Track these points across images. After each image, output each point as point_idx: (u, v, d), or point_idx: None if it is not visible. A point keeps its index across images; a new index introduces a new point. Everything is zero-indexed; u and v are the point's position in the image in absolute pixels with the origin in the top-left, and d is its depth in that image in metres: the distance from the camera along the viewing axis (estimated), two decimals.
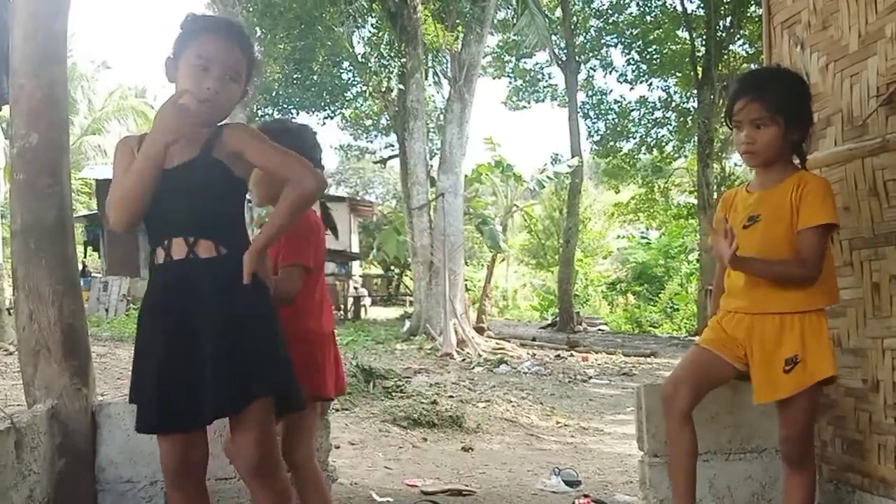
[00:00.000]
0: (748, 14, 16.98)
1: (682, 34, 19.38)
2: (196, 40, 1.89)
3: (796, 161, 2.37)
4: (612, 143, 21.71)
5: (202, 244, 1.88)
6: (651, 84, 21.00)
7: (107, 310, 15.96)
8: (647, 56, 20.42)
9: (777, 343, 2.24)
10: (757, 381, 2.28)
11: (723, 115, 2.42)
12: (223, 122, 1.97)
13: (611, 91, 24.89)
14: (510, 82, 22.88)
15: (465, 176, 16.44)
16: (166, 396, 1.83)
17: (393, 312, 22.55)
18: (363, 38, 17.04)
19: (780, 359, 2.22)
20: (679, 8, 18.68)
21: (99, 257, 24.39)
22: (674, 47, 20.14)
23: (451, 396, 7.33)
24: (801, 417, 2.26)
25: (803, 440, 2.28)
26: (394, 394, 7.00)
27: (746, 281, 2.30)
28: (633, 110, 21.37)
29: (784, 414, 2.28)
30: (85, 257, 24.08)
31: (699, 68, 17.55)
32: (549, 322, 20.11)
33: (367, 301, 23.71)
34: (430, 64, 16.08)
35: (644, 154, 22.03)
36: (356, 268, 28.44)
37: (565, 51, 19.27)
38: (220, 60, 1.88)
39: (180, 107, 1.85)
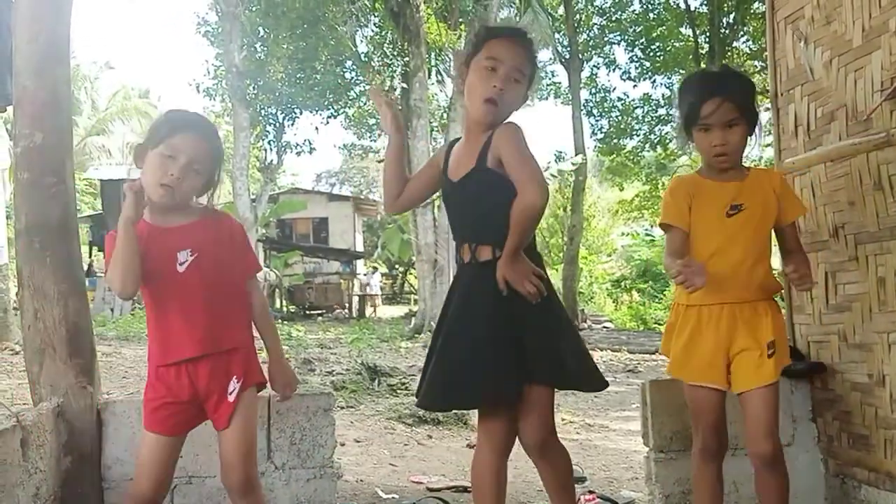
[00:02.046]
0: (752, 10, 16.93)
1: (686, 31, 19.35)
2: (171, 137, 2.02)
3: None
4: (615, 141, 21.67)
5: (482, 249, 2.11)
6: (654, 81, 20.97)
7: (112, 309, 16.01)
8: (651, 53, 20.38)
9: (755, 326, 2.22)
10: (744, 370, 2.21)
11: (684, 124, 2.31)
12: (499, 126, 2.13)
13: (614, 88, 24.85)
14: None
15: None
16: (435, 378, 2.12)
17: (398, 311, 22.59)
18: (366, 37, 17.07)
19: (761, 342, 2.20)
20: (682, 5, 18.64)
21: (104, 258, 24.46)
22: (677, 44, 20.10)
23: None
24: (773, 408, 2.21)
25: (776, 434, 2.22)
26: (399, 391, 7.00)
27: (727, 269, 2.23)
28: (636, 107, 21.33)
29: (756, 408, 2.19)
30: (90, 257, 24.14)
31: (703, 65, 17.50)
32: None
33: (378, 298, 23.70)
34: (433, 63, 16.08)
35: (648, 151, 21.99)
36: (360, 266, 28.46)
37: (568, 48, 19.23)
38: (188, 152, 2.02)
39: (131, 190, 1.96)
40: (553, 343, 2.09)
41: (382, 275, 29.00)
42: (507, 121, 2.13)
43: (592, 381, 2.20)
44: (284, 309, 20.85)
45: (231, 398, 2.08)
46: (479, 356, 2.04)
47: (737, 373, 2.24)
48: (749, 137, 2.28)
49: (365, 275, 25.12)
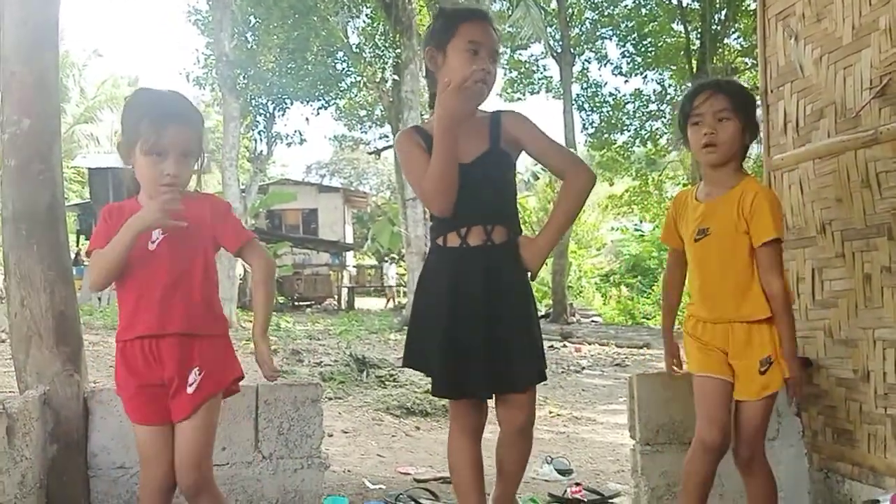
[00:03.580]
0: (743, 7, 16.97)
1: (678, 27, 19.35)
2: (156, 135, 1.95)
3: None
4: (606, 136, 21.70)
5: (498, 230, 2.14)
6: (646, 77, 20.99)
7: (99, 298, 15.92)
8: (642, 49, 20.39)
9: (749, 345, 2.21)
10: (740, 378, 2.23)
11: (679, 122, 2.33)
12: (500, 109, 2.23)
13: (605, 83, 24.85)
14: (505, 74, 22.79)
15: None
16: (456, 366, 2.09)
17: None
18: (358, 28, 17.02)
19: (755, 359, 2.19)
20: (674, 1, 18.65)
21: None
22: (669, 40, 20.11)
23: None
24: (761, 419, 2.22)
25: (758, 444, 2.25)
26: (387, 383, 7.01)
27: (711, 291, 2.27)
28: (627, 103, 21.36)
29: (747, 415, 2.23)
30: (78, 246, 24.00)
31: (694, 61, 17.55)
32: (542, 313, 20.15)
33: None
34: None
35: (638, 146, 22.03)
36: (350, 258, 28.43)
37: (560, 43, 19.20)
38: (176, 145, 1.97)
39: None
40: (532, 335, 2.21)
41: (369, 267, 28.99)
42: (509, 109, 2.25)
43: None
44: (273, 300, 20.78)
45: (190, 390, 1.97)
46: (502, 348, 2.11)
47: (736, 380, 2.25)
48: (744, 138, 2.25)
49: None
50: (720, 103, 2.22)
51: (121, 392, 2.05)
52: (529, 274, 2.20)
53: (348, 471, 3.88)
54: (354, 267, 28.67)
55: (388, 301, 22.61)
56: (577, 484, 3.51)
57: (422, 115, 16.08)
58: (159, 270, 2.00)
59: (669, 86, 20.84)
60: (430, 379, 2.25)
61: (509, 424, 2.21)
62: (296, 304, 20.70)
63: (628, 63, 20.72)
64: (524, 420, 2.19)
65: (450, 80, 2.03)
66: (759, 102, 3.14)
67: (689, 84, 17.89)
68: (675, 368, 2.53)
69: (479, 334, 2.09)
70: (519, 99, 22.94)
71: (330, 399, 6.18)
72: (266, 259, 2.16)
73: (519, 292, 2.17)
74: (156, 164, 1.97)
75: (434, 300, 2.18)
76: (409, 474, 3.88)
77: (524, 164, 23.70)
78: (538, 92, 22.80)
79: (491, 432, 2.28)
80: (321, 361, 8.19)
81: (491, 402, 2.22)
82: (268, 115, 18.84)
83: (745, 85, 2.51)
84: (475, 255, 2.13)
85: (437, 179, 2.07)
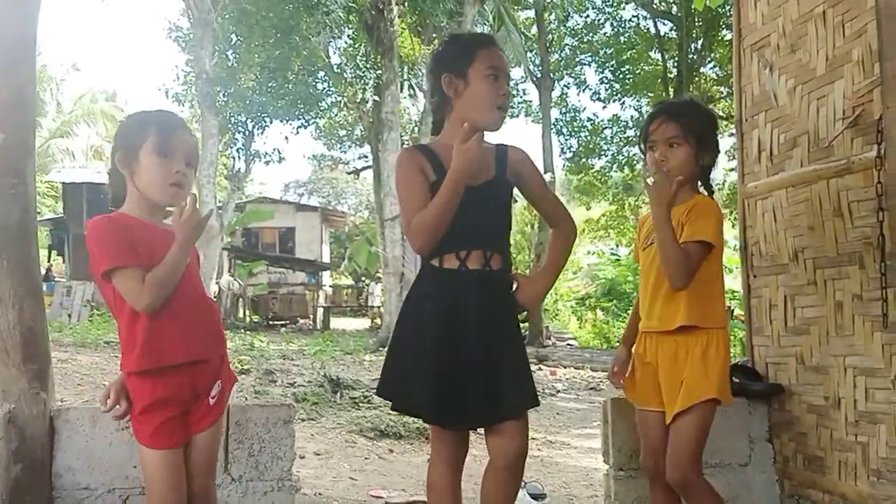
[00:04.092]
0: (719, 37, 17.28)
1: (655, 55, 19.65)
2: (164, 137, 1.99)
3: (703, 191, 2.39)
4: (584, 160, 21.88)
5: (496, 257, 2.13)
6: (624, 103, 21.24)
7: (70, 315, 15.69)
8: (621, 76, 20.65)
9: (674, 362, 2.26)
10: (666, 401, 2.29)
11: (639, 144, 2.44)
12: (502, 144, 2.23)
13: (584, 109, 25.13)
14: None
15: None
16: (451, 392, 2.03)
17: (362, 323, 22.46)
18: (339, 48, 17.07)
19: (677, 381, 2.25)
20: (652, 30, 18.96)
21: (63, 262, 23.99)
22: (646, 68, 20.40)
23: None
24: (683, 440, 2.23)
25: (685, 465, 2.22)
26: (361, 404, 6.95)
27: (651, 302, 2.35)
28: (605, 128, 21.58)
29: (672, 435, 2.26)
30: (49, 261, 23.66)
31: (671, 89, 17.81)
32: None
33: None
34: (405, 76, 16.12)
35: (615, 171, 22.23)
36: (327, 277, 28.29)
37: (540, 68, 19.40)
38: (183, 150, 2.02)
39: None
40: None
41: (346, 287, 28.87)
42: (512, 144, 2.26)
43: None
44: (247, 319, 20.60)
45: (212, 401, 2.03)
46: (497, 372, 2.07)
47: (664, 402, 2.31)
48: (698, 160, 2.31)
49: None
50: (670, 131, 2.30)
51: (149, 420, 1.94)
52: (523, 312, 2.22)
53: (319, 494, 3.83)
54: (331, 286, 28.52)
55: (372, 321, 22.46)
56: None
57: (402, 136, 16.14)
58: (192, 293, 2.02)
59: (647, 112, 21.10)
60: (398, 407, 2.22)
61: (500, 456, 2.11)
62: (270, 323, 20.51)
63: (606, 89, 20.97)
64: (516, 450, 2.10)
65: (469, 123, 2.00)
66: (733, 131, 3.20)
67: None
68: (614, 379, 2.54)
69: (475, 360, 2.05)
70: None
71: (303, 420, 6.11)
72: None
73: (511, 320, 2.19)
74: (165, 163, 1.97)
75: (427, 323, 2.10)
76: (381, 498, 3.84)
77: None
78: (517, 116, 22.98)
79: (473, 457, 2.26)
80: (294, 382, 8.10)
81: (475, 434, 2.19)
82: (247, 132, 18.77)
83: (711, 108, 2.56)
84: (473, 278, 2.09)
85: (430, 224, 2.02)
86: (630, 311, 2.64)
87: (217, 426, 2.09)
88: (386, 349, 2.27)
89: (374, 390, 7.91)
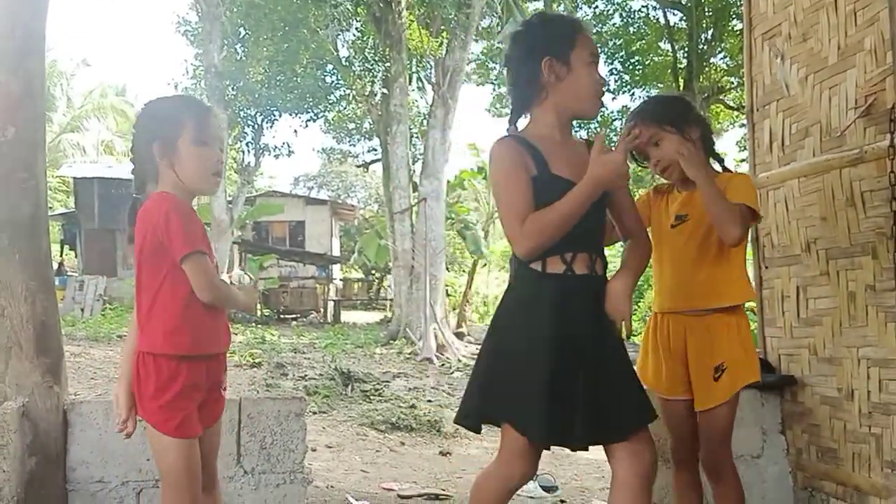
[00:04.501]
0: (729, 27, 17.15)
1: (665, 46, 19.53)
2: (201, 126, 1.99)
3: (717, 167, 2.38)
4: None
5: (599, 261, 1.96)
6: (633, 94, 21.11)
7: (82, 309, 15.78)
8: (630, 67, 20.54)
9: (708, 350, 2.24)
10: (696, 389, 2.27)
11: (636, 160, 2.41)
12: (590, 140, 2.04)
13: None
14: (494, 89, 22.93)
15: (448, 181, 16.44)
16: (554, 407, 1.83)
17: (373, 316, 22.49)
18: (347, 41, 17.02)
19: (710, 367, 2.23)
20: (662, 20, 18.84)
21: (76, 256, 24.13)
22: (656, 59, 20.28)
23: (429, 401, 7.31)
24: (720, 427, 2.24)
25: (721, 451, 2.26)
26: (372, 397, 6.97)
27: (675, 279, 2.31)
28: (615, 119, 21.48)
29: (706, 424, 2.27)
30: (62, 256, 23.80)
31: (681, 80, 17.70)
32: None
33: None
34: (414, 69, 16.08)
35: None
36: (337, 271, 28.34)
37: None
38: (218, 137, 2.05)
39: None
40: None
41: (356, 280, 28.90)
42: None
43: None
44: (259, 312, 20.67)
45: (225, 393, 2.11)
46: (609, 386, 1.88)
47: (694, 390, 2.29)
48: (690, 139, 2.28)
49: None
50: (647, 131, 2.27)
51: (178, 410, 1.92)
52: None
53: (331, 486, 3.84)
54: (341, 280, 28.57)
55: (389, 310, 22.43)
56: (562, 501, 3.49)
57: (410, 128, 16.11)
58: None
59: None
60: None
61: (631, 474, 1.88)
62: (281, 316, 20.57)
63: (616, 80, 20.85)
64: (645, 467, 1.87)
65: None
66: (744, 121, 3.17)
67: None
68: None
69: (585, 373, 1.84)
70: (508, 114, 23.05)
71: (314, 413, 6.13)
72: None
73: (616, 328, 1.97)
74: (206, 154, 2.00)
75: (533, 334, 1.87)
76: (392, 490, 3.85)
77: None
78: None
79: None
80: (306, 375, 8.13)
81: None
82: (256, 126, 18.79)
83: (679, 96, 2.57)
84: (581, 283, 1.90)
85: (549, 230, 1.83)
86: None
87: (220, 421, 2.13)
88: (479, 363, 2.01)
89: (385, 383, 7.90)
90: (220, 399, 2.08)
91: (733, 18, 16.61)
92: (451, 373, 10.18)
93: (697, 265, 2.27)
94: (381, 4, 14.26)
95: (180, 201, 1.95)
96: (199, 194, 2.08)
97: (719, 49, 18.32)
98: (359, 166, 28.63)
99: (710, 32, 17.63)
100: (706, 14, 17.21)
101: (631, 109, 2.58)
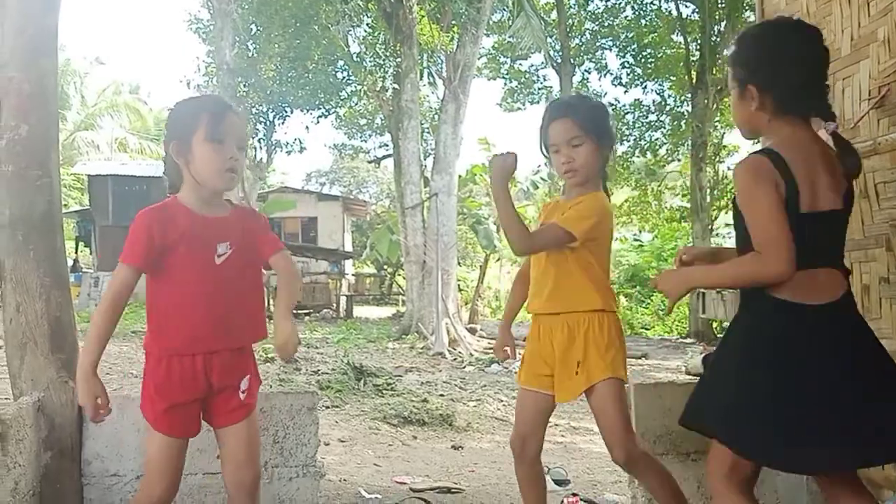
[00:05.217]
0: (742, 19, 17.02)
1: (677, 38, 19.40)
2: (217, 123, 2.01)
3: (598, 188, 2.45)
4: None
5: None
6: (645, 87, 21.02)
7: (97, 305, 15.89)
8: (642, 59, 20.43)
9: (569, 345, 2.32)
10: (557, 383, 2.35)
11: (540, 147, 2.46)
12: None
13: (605, 94, 24.84)
14: (505, 84, 22.89)
15: (460, 176, 16.43)
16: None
17: (385, 311, 22.55)
18: (358, 37, 17.01)
19: (573, 360, 2.31)
20: (674, 12, 18.72)
21: (90, 253, 24.32)
22: (668, 51, 20.16)
23: (441, 395, 7.33)
24: (610, 423, 2.30)
25: (620, 441, 2.30)
26: (384, 392, 6.99)
27: (542, 283, 2.40)
28: (627, 113, 21.38)
29: (597, 419, 2.35)
30: (76, 253, 23.99)
31: (693, 72, 17.58)
32: None
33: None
34: (425, 64, 16.08)
35: (638, 157, 22.04)
36: (349, 266, 28.40)
37: (560, 53, 19.26)
38: (234, 134, 2.05)
39: None
40: None
41: (368, 275, 28.95)
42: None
43: None
44: (272, 308, 20.76)
45: (243, 396, 2.09)
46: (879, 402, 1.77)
47: (555, 384, 2.37)
48: (603, 154, 2.39)
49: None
50: (571, 131, 2.34)
51: (156, 404, 2.01)
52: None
53: (344, 480, 3.86)
54: (353, 275, 28.64)
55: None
56: (574, 494, 3.49)
57: (421, 123, 16.11)
58: (225, 285, 2.04)
59: (669, 96, 20.87)
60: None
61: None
62: (294, 312, 20.65)
63: (628, 74, 20.77)
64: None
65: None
66: None
67: (689, 95, 18.01)
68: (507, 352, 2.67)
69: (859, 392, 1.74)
70: (519, 108, 23.02)
71: (327, 408, 6.16)
72: (294, 265, 2.29)
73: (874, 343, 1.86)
74: (219, 150, 2.01)
75: (821, 368, 1.75)
76: (405, 484, 3.86)
77: (524, 174, 23.67)
78: (538, 102, 22.86)
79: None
80: (318, 370, 8.17)
81: None
82: (268, 123, 18.85)
83: (599, 100, 2.66)
84: (844, 309, 1.82)
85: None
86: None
87: (253, 419, 2.13)
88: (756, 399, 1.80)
89: (398, 377, 7.90)
90: (231, 399, 2.07)
91: (746, 10, 16.48)
92: (464, 367, 10.20)
93: (546, 271, 2.38)
94: (392, 0, 14.26)
95: (153, 210, 2.00)
96: (216, 191, 2.08)
97: (732, 41, 18.20)
98: (370, 162, 28.65)
99: (722, 24, 17.50)
100: (719, 6, 17.09)
101: (555, 100, 2.61)
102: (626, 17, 20.38)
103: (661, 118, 21.14)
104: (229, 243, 2.05)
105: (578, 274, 2.33)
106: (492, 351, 11.99)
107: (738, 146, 19.23)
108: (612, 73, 21.17)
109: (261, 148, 19.46)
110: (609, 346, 2.31)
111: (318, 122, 19.03)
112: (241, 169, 2.10)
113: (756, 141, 2.24)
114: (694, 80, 17.47)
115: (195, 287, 2.00)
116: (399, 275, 24.59)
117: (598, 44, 20.99)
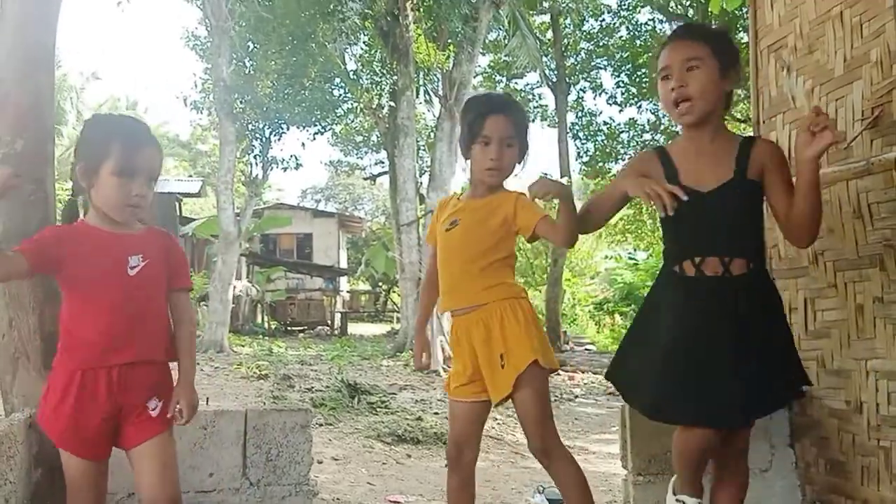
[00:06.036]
0: (736, 40, 17.16)
1: None
2: (126, 156, 1.98)
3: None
4: (601, 164, 21.80)
5: (737, 262, 2.07)
6: (640, 106, 21.14)
7: None
8: (637, 79, 20.57)
9: (488, 339, 2.28)
10: (488, 383, 2.31)
11: (466, 136, 2.40)
12: (753, 136, 2.19)
13: (600, 113, 25.07)
14: None
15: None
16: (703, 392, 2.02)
17: (380, 328, 22.50)
18: (355, 55, 17.10)
19: (495, 355, 2.27)
20: (668, 33, 18.89)
21: None
22: None
23: (436, 413, 7.29)
24: (531, 412, 2.27)
25: (539, 431, 2.28)
26: (378, 409, 6.95)
27: (455, 277, 2.38)
28: (622, 132, 21.50)
29: (517, 409, 2.31)
30: None
31: None
32: None
33: None
34: (421, 82, 16.14)
35: None
36: (344, 283, 28.37)
37: (555, 72, 19.40)
38: (146, 168, 2.02)
39: None
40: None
41: (363, 292, 28.93)
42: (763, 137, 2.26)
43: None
44: (266, 325, 20.70)
45: (154, 414, 2.03)
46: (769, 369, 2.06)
47: (487, 386, 2.32)
48: (518, 164, 2.40)
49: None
50: (509, 130, 2.35)
51: (55, 420, 1.98)
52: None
53: (337, 499, 3.83)
54: (348, 292, 28.60)
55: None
56: None
57: (417, 141, 16.16)
58: (137, 298, 2.01)
59: (663, 116, 21.00)
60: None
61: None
62: (288, 329, 20.60)
63: (623, 93, 20.89)
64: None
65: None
66: (751, 133, 3.17)
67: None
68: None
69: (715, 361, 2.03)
70: None
71: (321, 425, 6.12)
72: (192, 310, 2.23)
73: (764, 315, 2.10)
74: (124, 185, 1.97)
75: (661, 323, 2.15)
76: (398, 502, 3.84)
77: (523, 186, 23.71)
78: (534, 120, 22.95)
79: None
80: (312, 387, 8.13)
81: None
82: (264, 139, 18.86)
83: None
84: (710, 285, 2.07)
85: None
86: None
87: (167, 438, 2.05)
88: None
89: (392, 395, 7.82)
90: (140, 416, 2.01)
91: (739, 31, 16.63)
92: None
93: (466, 266, 2.35)
94: (389, 18, 14.35)
95: (63, 229, 2.08)
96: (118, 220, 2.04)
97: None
98: (366, 179, 28.74)
99: None
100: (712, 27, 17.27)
101: (499, 95, 2.55)
102: (620, 37, 20.55)
103: (656, 137, 21.24)
104: (142, 256, 2.02)
105: (499, 265, 2.34)
106: None
107: None
108: (606, 92, 21.31)
109: (256, 164, 19.44)
110: (528, 331, 2.28)
111: (314, 139, 19.05)
112: (148, 203, 2.04)
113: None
114: None
115: (102, 298, 1.98)
116: (394, 292, 24.58)
117: (593, 63, 21.14)
